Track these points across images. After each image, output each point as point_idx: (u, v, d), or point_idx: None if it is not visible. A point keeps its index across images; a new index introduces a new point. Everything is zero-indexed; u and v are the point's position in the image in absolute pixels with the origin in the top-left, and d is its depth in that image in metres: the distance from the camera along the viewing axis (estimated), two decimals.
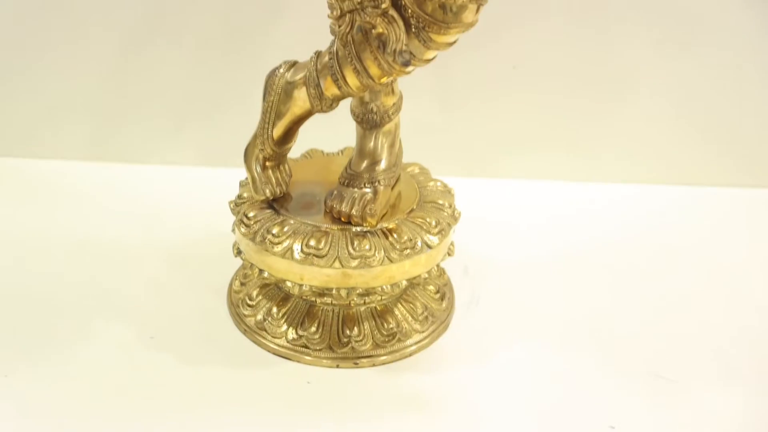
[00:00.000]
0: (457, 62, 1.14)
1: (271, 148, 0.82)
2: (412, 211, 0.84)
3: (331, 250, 0.78)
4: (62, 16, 1.19)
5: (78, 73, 1.23)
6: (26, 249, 1.02)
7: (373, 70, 0.73)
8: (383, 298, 0.85)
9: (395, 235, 0.79)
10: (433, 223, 0.82)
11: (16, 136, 1.27)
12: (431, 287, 0.91)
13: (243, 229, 0.81)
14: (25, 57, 1.22)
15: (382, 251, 0.78)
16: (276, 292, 0.88)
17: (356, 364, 0.83)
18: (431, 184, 0.90)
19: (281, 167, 0.85)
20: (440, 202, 0.86)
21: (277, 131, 0.81)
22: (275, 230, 0.79)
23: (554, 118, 1.24)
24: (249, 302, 0.88)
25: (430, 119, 1.24)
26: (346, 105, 0.83)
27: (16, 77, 1.24)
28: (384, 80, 0.74)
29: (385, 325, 0.84)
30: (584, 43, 1.20)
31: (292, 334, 0.84)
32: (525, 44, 1.20)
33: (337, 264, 0.77)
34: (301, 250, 0.78)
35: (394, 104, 0.83)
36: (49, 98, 1.25)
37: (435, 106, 1.24)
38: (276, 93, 0.80)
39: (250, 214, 0.82)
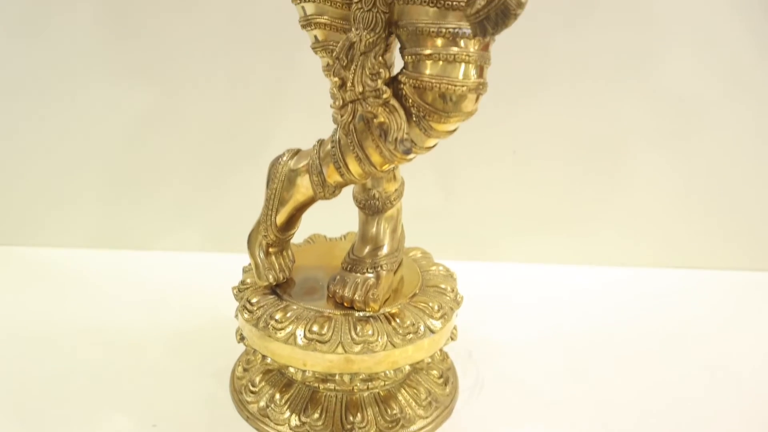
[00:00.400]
0: (458, 148, 1.16)
1: (275, 234, 0.83)
2: (414, 295, 0.84)
3: (334, 335, 0.78)
4: (69, 103, 1.22)
5: (83, 160, 1.25)
6: (30, 337, 1.01)
7: (375, 158, 0.74)
8: (386, 383, 0.85)
9: (398, 320, 0.79)
10: (436, 307, 0.82)
11: (20, 224, 1.28)
12: (435, 372, 0.90)
13: (246, 315, 0.81)
14: (30, 145, 1.25)
15: (385, 336, 0.78)
16: (279, 378, 0.87)
17: None
18: (433, 268, 0.91)
19: (284, 253, 0.85)
20: (443, 286, 0.86)
21: (281, 218, 0.82)
22: (278, 316, 0.79)
23: (554, 202, 1.25)
24: (252, 388, 0.87)
25: (432, 204, 1.25)
26: (348, 191, 0.84)
27: (21, 165, 1.26)
28: (386, 168, 0.75)
29: (389, 410, 0.84)
30: (583, 127, 1.22)
31: (295, 420, 0.83)
32: (524, 130, 1.22)
33: (340, 349, 0.77)
34: (304, 336, 0.78)
35: (395, 190, 0.84)
36: (54, 186, 1.26)
37: (436, 191, 1.26)
38: (279, 180, 0.81)
39: (253, 300, 0.82)
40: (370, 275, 0.83)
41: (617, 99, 1.20)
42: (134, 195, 1.27)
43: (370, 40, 0.70)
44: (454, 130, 0.72)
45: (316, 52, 0.76)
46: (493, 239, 1.27)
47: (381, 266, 0.83)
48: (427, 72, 0.68)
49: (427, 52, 0.68)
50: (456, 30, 0.67)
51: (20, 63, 1.20)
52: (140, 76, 1.21)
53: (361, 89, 0.71)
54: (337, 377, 0.79)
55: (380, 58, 0.70)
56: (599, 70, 1.19)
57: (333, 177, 0.78)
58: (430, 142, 0.73)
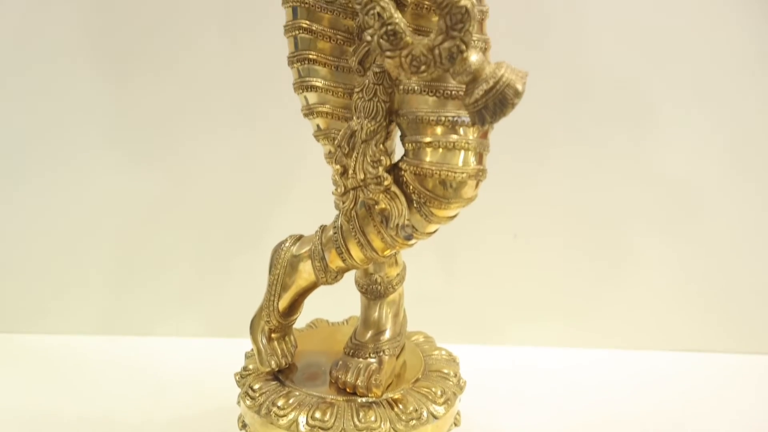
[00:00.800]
0: (459, 231, 1.17)
1: (277, 320, 0.83)
2: (417, 380, 0.84)
3: (336, 422, 0.77)
4: (70, 190, 1.24)
5: (84, 247, 1.26)
6: (33, 425, 1.00)
7: (377, 243, 0.75)
8: None
9: (401, 406, 0.79)
10: (439, 392, 0.82)
11: (22, 312, 1.28)
12: None
13: (248, 402, 0.81)
14: (31, 231, 1.26)
15: (388, 422, 0.77)
16: None
17: None
18: (436, 352, 0.91)
19: (287, 338, 0.85)
20: (445, 371, 0.86)
21: (283, 303, 0.83)
22: (280, 402, 0.79)
23: (555, 285, 1.26)
24: None
25: (433, 288, 1.26)
26: (350, 275, 0.84)
27: (23, 252, 1.27)
28: (387, 253, 0.76)
29: None
30: (582, 211, 1.23)
31: None
32: (524, 214, 1.23)
33: None
34: (307, 423, 0.77)
35: (397, 275, 0.85)
36: (55, 273, 1.27)
37: (438, 274, 1.26)
38: (282, 266, 0.82)
39: (255, 387, 0.82)
40: (373, 360, 0.82)
41: (616, 183, 1.22)
42: (136, 281, 1.27)
43: (372, 128, 0.71)
44: (455, 216, 0.73)
45: (318, 140, 0.77)
46: (495, 322, 1.27)
47: (383, 351, 0.83)
48: (428, 159, 0.70)
49: (427, 139, 0.70)
50: (455, 118, 0.69)
51: (26, 149, 1.23)
52: (144, 163, 1.22)
53: (362, 176, 0.72)
54: None
55: (381, 145, 0.72)
56: (598, 153, 1.21)
57: (335, 262, 0.78)
58: (431, 228, 0.74)
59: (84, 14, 1.17)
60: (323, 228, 0.80)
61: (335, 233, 0.77)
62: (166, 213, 1.25)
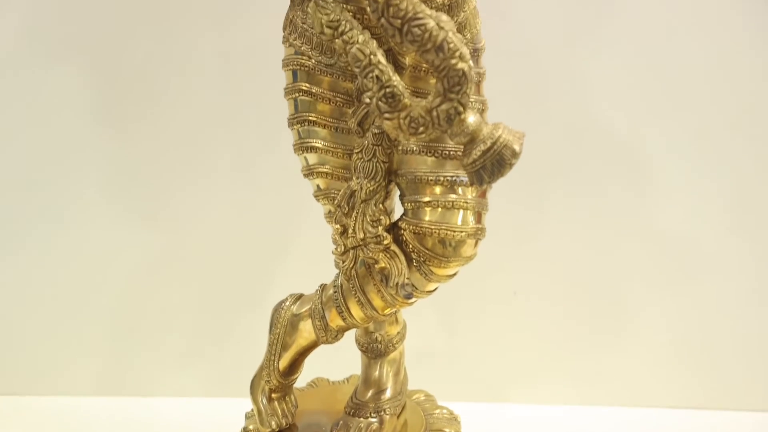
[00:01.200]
0: (459, 290, 1.17)
1: (277, 379, 0.82)
2: None
3: None
4: (68, 250, 1.25)
5: (83, 307, 1.26)
6: None
7: (377, 302, 0.75)
8: None
9: None
10: None
11: (22, 373, 1.27)
12: None
13: None
14: (30, 293, 1.26)
15: None
16: None
17: None
18: (437, 411, 0.90)
19: (287, 398, 0.85)
20: (446, 430, 0.85)
21: (283, 363, 0.82)
22: None
23: (556, 343, 1.25)
24: None
25: (434, 346, 1.25)
26: (351, 334, 0.84)
27: (21, 314, 1.27)
28: (387, 312, 0.76)
29: None
30: (582, 269, 1.23)
31: None
32: (524, 271, 1.23)
33: None
34: None
35: (398, 333, 0.85)
36: (54, 334, 1.27)
37: (438, 333, 1.26)
38: (282, 325, 0.82)
39: None
40: (374, 420, 0.82)
41: (616, 240, 1.22)
42: (135, 340, 1.27)
43: (371, 188, 0.72)
44: (454, 275, 0.73)
45: (318, 200, 0.78)
46: (496, 380, 1.26)
47: (384, 410, 0.83)
48: (427, 218, 0.70)
49: (426, 199, 0.70)
50: (454, 178, 0.70)
51: (24, 205, 1.23)
52: (144, 219, 1.23)
53: (362, 236, 0.73)
54: None
55: (381, 205, 0.72)
56: (597, 211, 1.21)
57: (335, 321, 0.78)
58: (431, 287, 0.74)
59: (84, 71, 1.19)
60: (323, 287, 0.80)
61: (335, 292, 0.77)
62: (165, 271, 1.25)
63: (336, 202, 0.74)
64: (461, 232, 0.70)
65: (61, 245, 1.24)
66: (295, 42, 0.74)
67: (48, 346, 1.27)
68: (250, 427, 0.86)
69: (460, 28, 0.70)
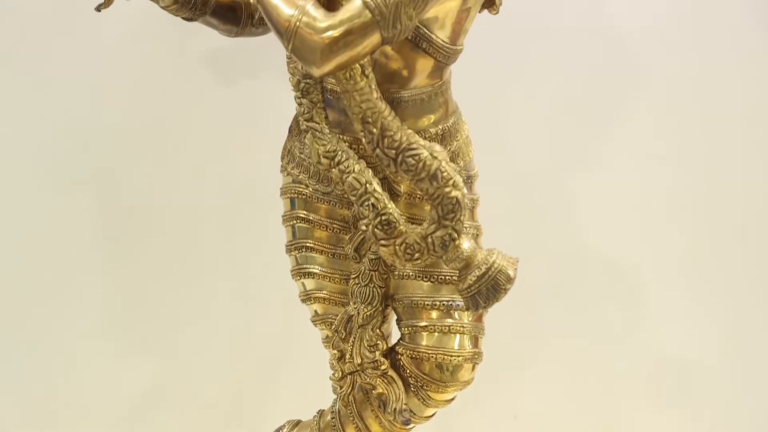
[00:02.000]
0: (458, 414, 1.16)
1: None
2: None
3: None
4: (64, 386, 1.23)
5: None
6: None
7: (375, 428, 0.74)
8: None
9: None
10: None
11: None
12: None
13: None
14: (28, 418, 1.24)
15: None
16: None
17: None
18: None
19: None
20: None
21: None
22: None
23: None
24: None
25: None
26: None
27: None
28: None
29: None
30: (580, 392, 1.22)
31: None
32: (524, 394, 1.22)
33: None
34: None
35: None
36: None
37: None
38: None
39: None
40: None
41: (614, 363, 1.21)
42: None
43: (368, 313, 0.73)
44: (452, 400, 0.73)
45: (315, 325, 0.78)
46: None
47: None
48: (424, 343, 0.71)
49: (423, 324, 0.71)
50: (450, 302, 0.71)
51: (18, 337, 1.23)
52: (139, 350, 1.23)
53: (359, 361, 0.73)
54: None
55: (378, 330, 0.73)
56: (595, 335, 1.21)
57: None
58: (429, 412, 0.73)
59: (82, 204, 1.21)
60: (321, 413, 0.80)
61: (333, 418, 0.77)
62: (162, 402, 1.23)
63: (333, 327, 0.75)
64: (458, 356, 0.70)
65: (55, 376, 1.22)
66: (292, 171, 0.76)
67: None
68: None
69: (454, 157, 0.72)
